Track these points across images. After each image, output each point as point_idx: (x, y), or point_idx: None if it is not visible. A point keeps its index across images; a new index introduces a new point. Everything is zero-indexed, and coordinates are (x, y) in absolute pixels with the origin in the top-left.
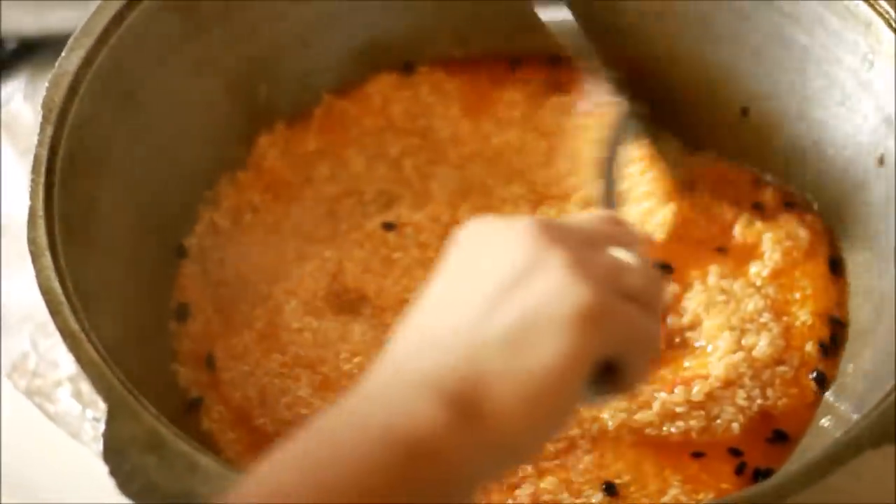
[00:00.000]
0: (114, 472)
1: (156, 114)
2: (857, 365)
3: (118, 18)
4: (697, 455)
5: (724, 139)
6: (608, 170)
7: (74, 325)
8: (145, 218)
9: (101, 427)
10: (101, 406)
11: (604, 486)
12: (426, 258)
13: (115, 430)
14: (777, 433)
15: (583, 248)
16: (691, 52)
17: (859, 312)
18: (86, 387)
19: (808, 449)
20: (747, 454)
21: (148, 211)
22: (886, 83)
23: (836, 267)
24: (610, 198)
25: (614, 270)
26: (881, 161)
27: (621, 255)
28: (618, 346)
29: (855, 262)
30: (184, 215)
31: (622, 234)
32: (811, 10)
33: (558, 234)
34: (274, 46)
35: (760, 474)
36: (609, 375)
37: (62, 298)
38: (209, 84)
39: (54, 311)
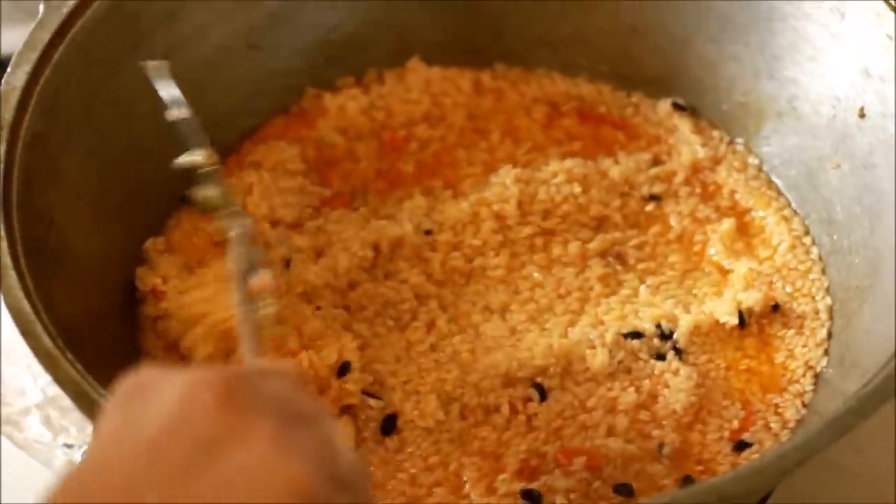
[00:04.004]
0: None
1: (109, 127)
2: (855, 322)
3: (61, 31)
4: None
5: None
6: (245, 313)
7: (48, 343)
8: (109, 229)
9: (74, 454)
10: (73, 432)
11: None
12: None
13: None
14: None
15: (287, 417)
16: (655, 22)
17: (852, 270)
18: (55, 413)
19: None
20: None
21: (111, 222)
22: (860, 33)
23: None
24: (253, 344)
25: (327, 449)
26: (862, 113)
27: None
28: None
29: (846, 218)
30: (150, 223)
31: (320, 409)
32: None
33: (252, 397)
34: (221, 50)
35: None
36: None
37: (32, 317)
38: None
39: (26, 331)
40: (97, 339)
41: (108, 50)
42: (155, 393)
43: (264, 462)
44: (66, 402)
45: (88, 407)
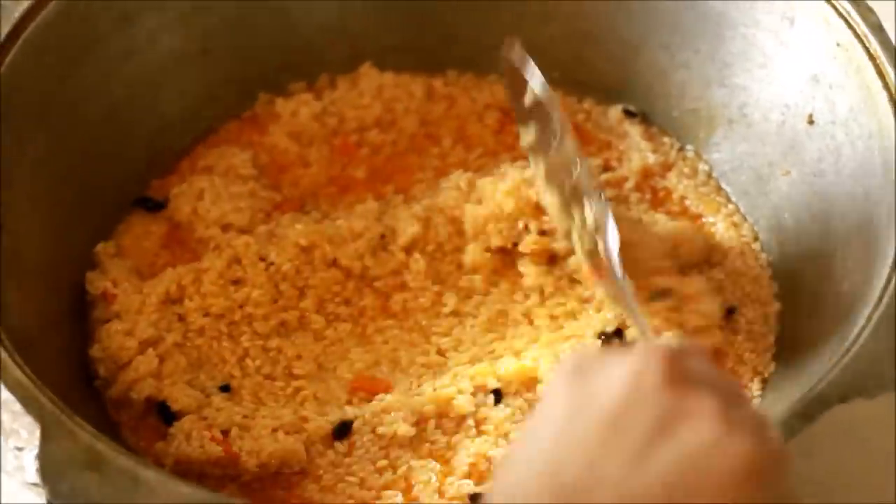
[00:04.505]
0: (53, 495)
1: (61, 131)
2: (802, 327)
3: (14, 35)
4: None
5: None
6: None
7: None
8: (60, 233)
9: (25, 457)
10: (23, 435)
11: None
12: None
13: (51, 451)
14: None
15: (722, 394)
16: (608, 27)
17: (801, 276)
18: (6, 416)
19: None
20: None
21: (62, 227)
22: (809, 40)
23: None
24: (644, 321)
25: (763, 425)
26: (811, 120)
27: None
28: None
29: (795, 225)
30: (101, 227)
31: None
32: None
33: (688, 375)
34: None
35: None
36: None
37: None
38: (111, 99)
39: None
40: (47, 342)
41: (62, 53)
42: (598, 375)
43: (715, 441)
44: (17, 405)
45: (38, 411)
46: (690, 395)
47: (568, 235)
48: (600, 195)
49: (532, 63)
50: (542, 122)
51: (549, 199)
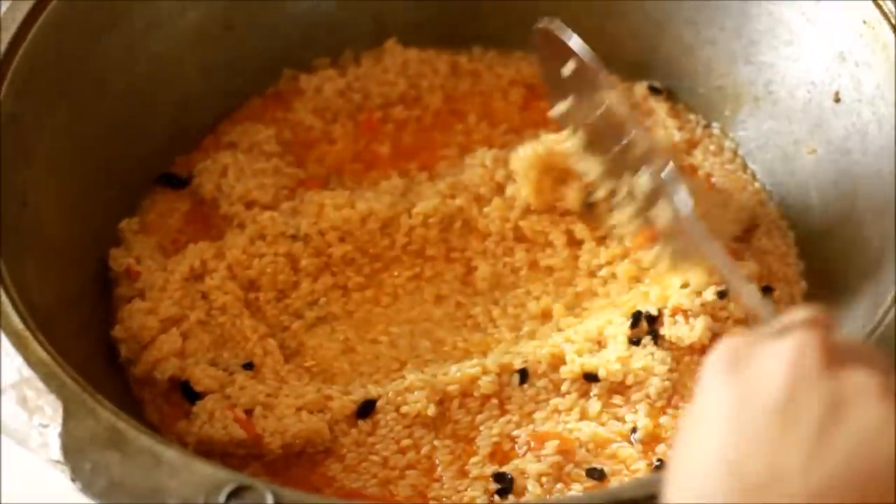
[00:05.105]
0: (75, 473)
1: (84, 105)
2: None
3: (36, 9)
4: None
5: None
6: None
7: (19, 324)
8: (83, 210)
9: (49, 433)
10: (48, 412)
11: None
12: None
13: (72, 429)
14: None
15: (874, 367)
16: (632, 3)
17: (827, 255)
18: (31, 393)
19: None
20: None
21: (85, 203)
22: (835, 17)
23: None
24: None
25: None
26: (837, 97)
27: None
28: None
29: (821, 203)
30: (124, 203)
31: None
32: None
33: (841, 355)
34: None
35: None
36: None
37: (4, 298)
38: (134, 75)
39: None
40: (70, 319)
41: (85, 28)
42: (755, 366)
43: (885, 419)
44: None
45: (59, 388)
46: (851, 376)
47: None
48: (667, 160)
49: (573, 34)
50: (580, 93)
51: (588, 168)
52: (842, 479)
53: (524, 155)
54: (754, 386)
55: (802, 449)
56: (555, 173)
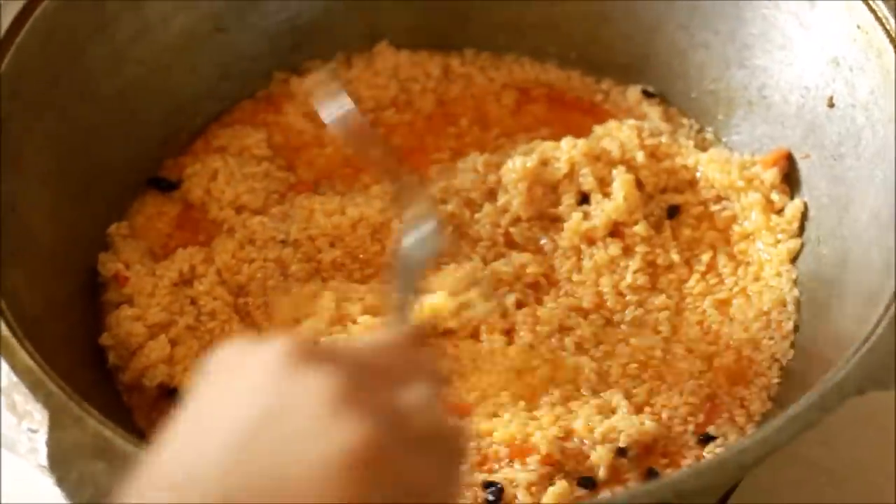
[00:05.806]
0: (61, 482)
1: (72, 111)
2: (822, 314)
3: (24, 14)
4: None
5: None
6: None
7: (6, 331)
8: (71, 215)
9: (38, 438)
10: (37, 417)
11: None
12: None
13: (59, 438)
14: None
15: (360, 377)
16: (624, 7)
17: (820, 262)
18: (19, 398)
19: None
20: None
21: (74, 208)
22: (830, 21)
23: None
24: (404, 309)
25: (401, 410)
26: (831, 103)
27: (417, 394)
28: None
29: (815, 209)
30: (113, 208)
31: (420, 371)
32: None
33: (318, 361)
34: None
35: None
36: None
37: None
38: (123, 79)
39: None
40: (58, 325)
41: (73, 33)
42: (236, 371)
43: (315, 425)
44: None
45: (45, 397)
46: (308, 379)
47: None
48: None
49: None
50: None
51: None
52: (258, 480)
53: (513, 167)
54: (214, 388)
55: (223, 460)
56: (547, 182)
